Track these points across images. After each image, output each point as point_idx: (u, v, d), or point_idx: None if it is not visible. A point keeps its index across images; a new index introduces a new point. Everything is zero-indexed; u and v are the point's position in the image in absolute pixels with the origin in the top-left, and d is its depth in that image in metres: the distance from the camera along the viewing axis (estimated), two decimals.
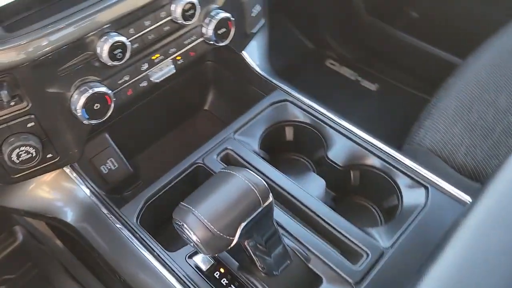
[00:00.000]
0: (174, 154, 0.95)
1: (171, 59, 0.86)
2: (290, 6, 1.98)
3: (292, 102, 0.97)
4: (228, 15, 0.88)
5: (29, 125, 0.73)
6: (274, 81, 1.01)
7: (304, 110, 0.96)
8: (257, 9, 0.99)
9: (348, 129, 0.92)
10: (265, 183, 0.62)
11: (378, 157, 0.88)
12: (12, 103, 0.69)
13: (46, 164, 0.78)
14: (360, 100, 1.88)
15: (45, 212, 0.85)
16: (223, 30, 0.89)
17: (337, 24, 2.04)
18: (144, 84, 0.84)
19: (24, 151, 0.73)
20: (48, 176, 0.84)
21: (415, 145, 1.03)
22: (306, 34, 2.11)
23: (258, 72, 1.04)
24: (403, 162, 0.86)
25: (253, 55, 1.06)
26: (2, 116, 0.70)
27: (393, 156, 0.88)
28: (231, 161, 0.90)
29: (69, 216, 0.85)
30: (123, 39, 0.74)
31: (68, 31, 0.69)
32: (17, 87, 0.69)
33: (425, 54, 1.77)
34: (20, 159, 0.73)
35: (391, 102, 1.85)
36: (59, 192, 0.85)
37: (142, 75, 0.83)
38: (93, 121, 0.77)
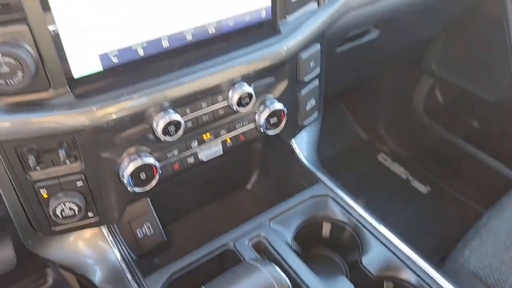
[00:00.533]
0: (209, 228, 0.96)
1: (221, 140, 0.90)
2: (350, 96, 2.03)
3: (333, 198, 0.97)
4: (282, 106, 0.91)
5: (78, 184, 0.77)
6: (318, 174, 1.02)
7: (344, 208, 0.95)
8: (312, 103, 1.02)
9: (387, 236, 0.89)
10: (289, 283, 0.60)
11: (415, 272, 0.83)
12: (67, 162, 0.74)
13: (85, 222, 0.82)
14: (408, 201, 1.83)
15: (75, 268, 0.88)
16: (275, 120, 0.92)
17: (394, 120, 2.05)
18: (191, 160, 0.87)
19: (68, 208, 0.77)
20: (85, 233, 0.87)
21: (458, 265, 0.97)
22: (361, 124, 2.13)
23: (304, 163, 1.05)
24: (441, 285, 0.81)
25: (301, 145, 1.08)
26: (56, 172, 0.75)
27: (432, 275, 0.83)
28: (262, 249, 0.89)
29: (97, 276, 0.86)
30: (178, 117, 0.78)
31: (130, 104, 0.74)
32: (75, 148, 0.74)
33: (482, 165, 1.72)
34: (64, 214, 0.77)
35: (439, 208, 1.78)
36: (93, 251, 0.87)
37: (190, 152, 0.86)
38: (137, 189, 0.80)
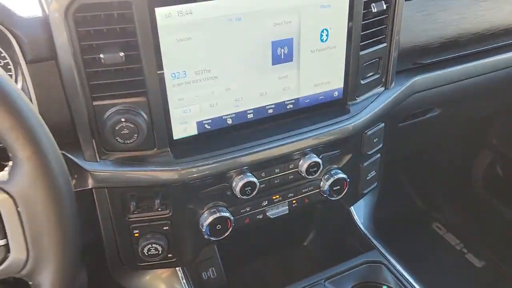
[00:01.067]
0: (266, 278, 1.04)
1: (287, 201, 1.00)
2: (408, 163, 2.07)
3: (386, 266, 1.03)
4: (345, 176, 1.01)
5: (164, 228, 0.90)
6: (374, 241, 1.09)
7: (396, 277, 1.01)
8: (372, 173, 1.11)
9: None
10: None
11: None
12: (159, 209, 0.88)
13: (165, 261, 0.94)
14: (461, 274, 1.81)
15: None
16: (338, 187, 1.02)
17: (451, 191, 2.06)
18: (260, 217, 0.98)
19: (154, 248, 0.90)
20: (163, 271, 0.99)
21: None
22: (418, 191, 2.15)
23: (361, 229, 1.13)
24: None
25: (359, 212, 1.16)
26: (149, 216, 0.88)
27: None
28: None
29: None
30: (255, 180, 0.90)
31: (216, 166, 0.87)
32: (167, 198, 0.87)
33: None
34: (149, 253, 0.90)
35: (494, 285, 1.75)
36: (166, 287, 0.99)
37: (260, 209, 0.98)
38: (212, 238, 0.92)
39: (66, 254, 0.52)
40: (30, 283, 0.54)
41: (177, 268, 1.00)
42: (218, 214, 0.90)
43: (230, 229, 0.93)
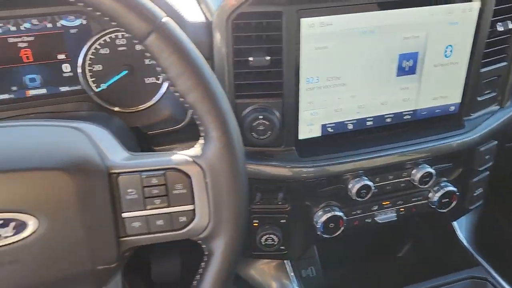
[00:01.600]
0: (360, 285, 1.07)
1: (396, 208, 1.04)
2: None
3: (492, 283, 1.03)
4: (454, 189, 1.03)
5: (281, 221, 0.97)
6: (478, 257, 1.09)
7: None
8: (479, 190, 1.12)
9: None
10: None
11: None
12: (280, 203, 0.95)
13: (277, 253, 1.01)
14: None
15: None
16: (447, 200, 1.04)
17: None
18: (369, 220, 1.03)
19: (270, 238, 0.97)
20: (272, 263, 1.06)
21: None
22: None
23: (464, 244, 1.13)
24: None
25: (462, 226, 1.17)
26: (270, 208, 0.96)
27: None
28: None
29: None
30: (370, 184, 0.95)
31: (337, 167, 0.93)
32: (288, 193, 0.95)
33: None
34: (265, 243, 0.97)
35: None
36: (275, 278, 1.06)
37: (370, 213, 1.02)
38: (325, 235, 0.98)
39: (239, 225, 0.60)
40: (204, 246, 0.63)
41: (285, 262, 1.06)
42: (332, 213, 0.96)
43: (342, 228, 0.98)
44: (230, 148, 0.58)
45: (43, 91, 0.92)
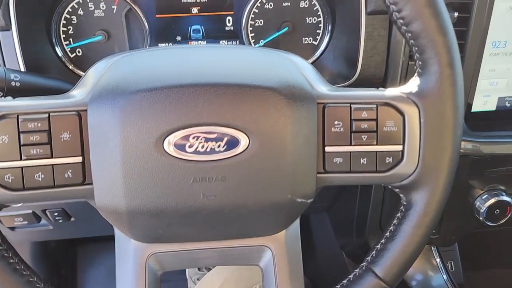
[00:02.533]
0: None
1: None
2: None
3: None
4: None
5: None
6: None
7: None
8: None
9: None
10: None
11: None
12: None
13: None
14: None
15: None
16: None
17: None
18: None
19: None
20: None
21: None
22: None
23: None
24: None
25: None
26: None
27: None
28: None
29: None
30: None
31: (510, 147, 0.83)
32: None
33: None
34: None
35: None
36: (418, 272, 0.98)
37: None
38: (487, 222, 0.88)
39: (450, 175, 0.54)
40: (401, 195, 0.57)
41: (433, 250, 0.98)
42: (500, 198, 0.86)
43: (509, 216, 0.88)
44: (453, 86, 0.52)
45: (203, 43, 0.92)
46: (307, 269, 0.61)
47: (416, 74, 0.54)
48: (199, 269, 1.39)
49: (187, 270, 1.38)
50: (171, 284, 1.37)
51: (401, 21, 0.52)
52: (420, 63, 0.53)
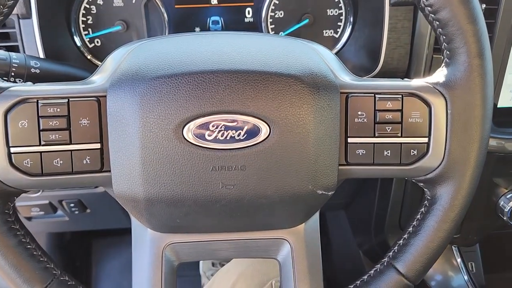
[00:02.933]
0: None
1: None
2: None
3: None
4: None
5: None
6: None
7: None
8: None
9: None
10: None
11: None
12: None
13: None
14: None
15: None
16: None
17: None
18: None
19: None
20: None
21: None
22: None
23: None
24: None
25: None
26: None
27: None
28: None
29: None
30: None
31: None
32: None
33: None
34: None
35: None
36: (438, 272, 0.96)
37: None
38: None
39: (477, 169, 0.52)
40: (426, 190, 0.55)
41: (453, 250, 0.95)
42: None
43: None
44: (483, 77, 0.50)
45: None
46: (322, 267, 0.59)
47: (443, 64, 0.52)
48: (213, 265, 1.38)
49: (200, 265, 1.38)
50: (185, 279, 1.37)
51: (429, 8, 0.50)
52: (448, 52, 0.51)
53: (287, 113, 0.48)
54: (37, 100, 0.48)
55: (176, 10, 0.87)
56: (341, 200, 1.17)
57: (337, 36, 0.90)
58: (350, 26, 0.88)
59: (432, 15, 0.50)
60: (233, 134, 0.48)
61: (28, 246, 0.51)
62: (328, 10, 0.89)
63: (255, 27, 0.90)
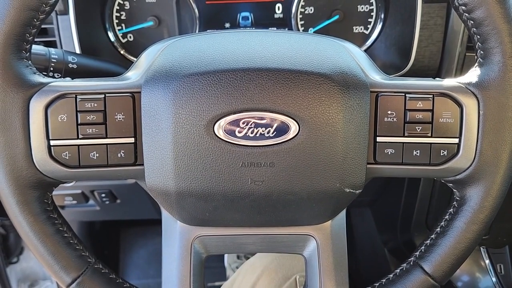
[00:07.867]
0: None
1: None
2: None
3: None
4: None
5: None
6: None
7: None
8: None
9: None
10: None
11: None
12: None
13: None
14: None
15: None
16: None
17: None
18: None
19: None
20: None
21: None
22: None
23: None
24: None
25: None
26: None
27: None
28: None
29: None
30: None
31: None
32: None
33: None
34: None
35: None
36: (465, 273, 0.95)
37: None
38: None
39: (508, 173, 0.51)
40: (455, 190, 0.55)
41: (482, 251, 0.94)
42: None
43: None
44: None
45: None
46: None
47: (476, 64, 0.51)
48: (238, 257, 1.40)
49: (225, 258, 1.40)
50: (209, 271, 1.39)
51: (464, 7, 0.49)
52: (482, 52, 0.50)
53: (317, 111, 0.49)
54: (76, 95, 0.50)
55: (206, 6, 0.88)
56: (367, 198, 1.17)
57: (367, 32, 0.90)
58: (381, 23, 0.87)
59: (467, 14, 0.49)
60: (262, 131, 0.49)
61: (65, 235, 0.53)
62: (358, 6, 0.88)
63: (284, 23, 0.90)
